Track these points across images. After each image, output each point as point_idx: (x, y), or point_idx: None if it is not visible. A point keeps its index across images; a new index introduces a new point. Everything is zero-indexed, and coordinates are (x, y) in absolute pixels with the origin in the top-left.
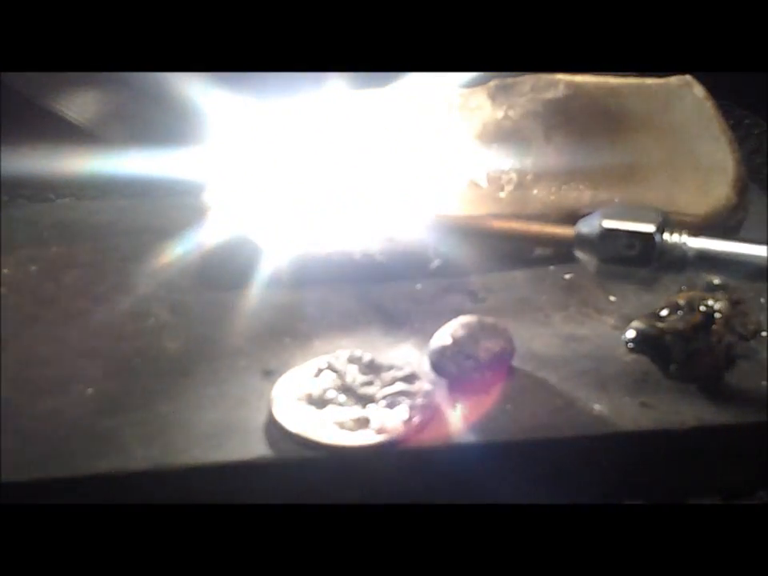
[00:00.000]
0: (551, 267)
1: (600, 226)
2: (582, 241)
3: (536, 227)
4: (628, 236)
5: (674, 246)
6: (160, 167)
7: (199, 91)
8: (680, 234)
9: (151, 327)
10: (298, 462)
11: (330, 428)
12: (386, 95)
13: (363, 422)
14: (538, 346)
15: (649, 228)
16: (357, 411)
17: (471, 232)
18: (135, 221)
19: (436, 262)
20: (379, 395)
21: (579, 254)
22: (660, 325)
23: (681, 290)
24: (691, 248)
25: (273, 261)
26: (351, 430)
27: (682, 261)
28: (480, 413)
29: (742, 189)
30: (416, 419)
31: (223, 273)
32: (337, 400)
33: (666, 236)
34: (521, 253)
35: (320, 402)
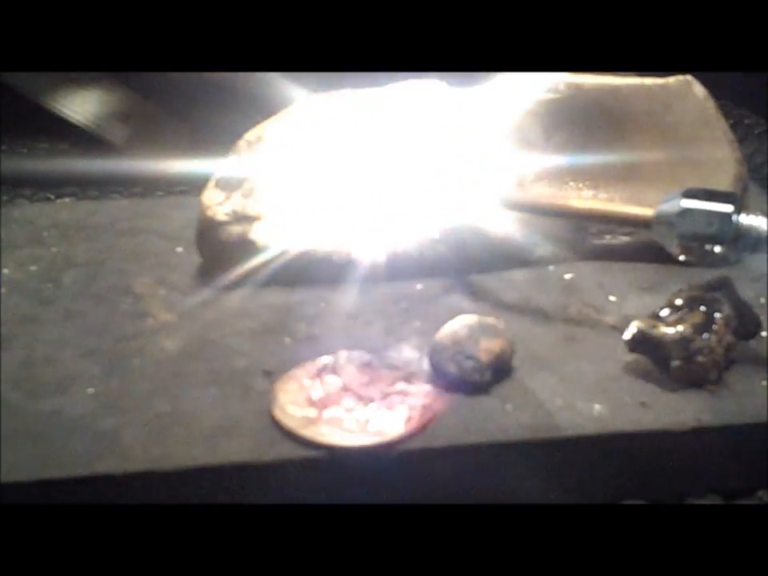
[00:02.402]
0: (551, 267)
1: (679, 205)
2: (661, 219)
3: (616, 207)
4: (706, 215)
5: (750, 227)
6: (160, 167)
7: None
8: (756, 216)
9: (151, 327)
10: (298, 462)
11: (330, 428)
12: (384, 95)
13: (363, 423)
14: (537, 346)
15: (727, 208)
16: (356, 411)
17: (548, 212)
18: (135, 221)
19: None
20: (379, 395)
21: (658, 232)
22: (660, 325)
23: (681, 290)
24: (765, 230)
25: (273, 261)
26: (351, 430)
27: (757, 241)
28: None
29: (741, 189)
30: (416, 419)
31: (223, 273)
32: (337, 400)
33: (743, 217)
34: (521, 253)
35: (320, 403)
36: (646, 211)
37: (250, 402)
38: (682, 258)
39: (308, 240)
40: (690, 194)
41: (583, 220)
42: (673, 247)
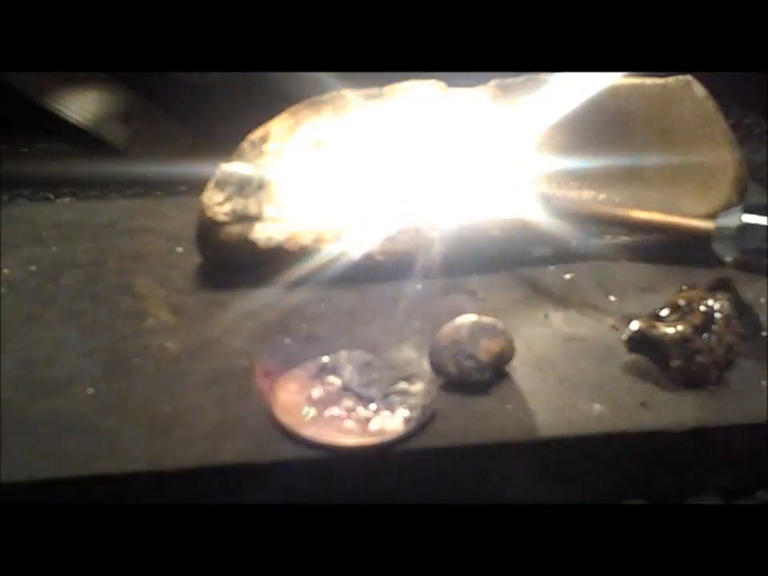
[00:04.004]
0: (551, 267)
1: (740, 219)
2: (721, 233)
3: (676, 219)
4: (767, 230)
5: None
6: (160, 167)
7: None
8: None
9: (151, 327)
10: (298, 462)
11: (330, 428)
12: (384, 95)
13: (363, 423)
14: (537, 346)
15: None
16: (357, 411)
17: (607, 221)
18: (135, 221)
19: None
20: (379, 395)
21: (718, 246)
22: (660, 325)
23: (681, 290)
24: None
25: (274, 260)
26: (351, 430)
27: None
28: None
29: (742, 189)
30: (416, 419)
31: (223, 273)
32: (337, 400)
33: None
34: (521, 253)
35: (320, 402)
36: (707, 224)
37: (250, 402)
38: (733, 265)
39: (308, 240)
40: (751, 208)
41: (642, 230)
42: (731, 260)
